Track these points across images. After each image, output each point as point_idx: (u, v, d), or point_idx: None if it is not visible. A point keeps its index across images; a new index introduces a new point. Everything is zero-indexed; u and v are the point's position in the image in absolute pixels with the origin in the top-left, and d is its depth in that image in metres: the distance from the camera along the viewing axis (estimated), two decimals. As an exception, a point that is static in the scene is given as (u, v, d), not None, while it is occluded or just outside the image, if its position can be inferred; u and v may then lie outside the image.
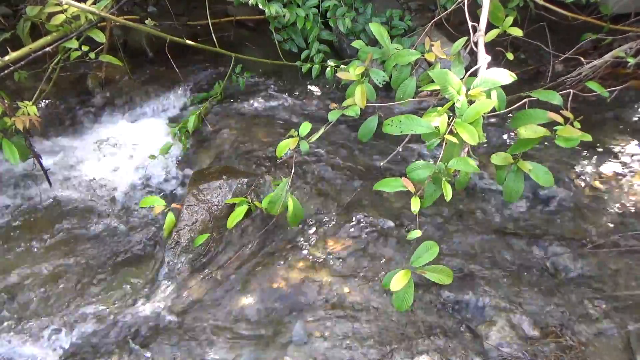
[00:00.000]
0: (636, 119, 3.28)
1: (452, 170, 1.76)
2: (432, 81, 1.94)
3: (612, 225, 2.66)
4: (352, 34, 3.52)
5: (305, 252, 2.57)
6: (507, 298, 2.35)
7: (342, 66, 3.25)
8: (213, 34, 3.31)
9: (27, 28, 2.85)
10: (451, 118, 1.75)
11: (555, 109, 1.87)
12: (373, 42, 2.89)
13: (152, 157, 3.02)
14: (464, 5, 2.30)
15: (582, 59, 3.17)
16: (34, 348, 2.23)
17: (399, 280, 1.71)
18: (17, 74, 2.84)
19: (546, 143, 3.07)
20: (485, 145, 3.17)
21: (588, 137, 1.78)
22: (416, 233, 1.87)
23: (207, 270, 2.53)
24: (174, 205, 2.58)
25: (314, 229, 2.69)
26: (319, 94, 3.70)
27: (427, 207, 1.88)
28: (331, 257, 2.54)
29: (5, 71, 2.66)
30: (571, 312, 2.29)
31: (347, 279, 2.44)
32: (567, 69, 3.53)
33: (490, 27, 2.13)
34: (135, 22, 3.06)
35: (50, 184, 2.93)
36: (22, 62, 2.68)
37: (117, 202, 2.95)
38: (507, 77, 1.79)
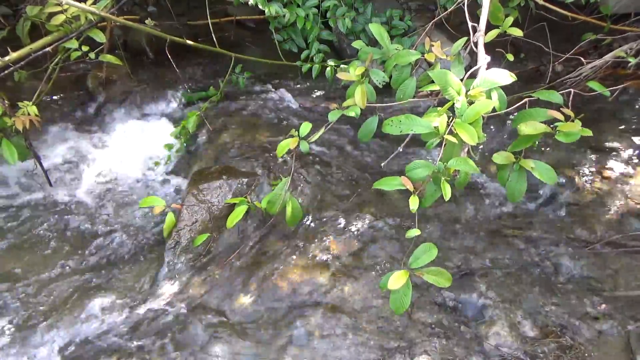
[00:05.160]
0: (636, 119, 3.28)
1: (451, 170, 1.76)
2: (432, 81, 1.94)
3: (612, 225, 2.66)
4: (352, 34, 3.52)
5: (305, 252, 2.58)
6: (507, 298, 2.35)
7: (342, 66, 3.25)
8: (213, 34, 3.31)
9: (27, 28, 2.85)
10: (451, 118, 1.75)
11: (556, 109, 1.87)
12: (373, 42, 2.89)
13: (157, 163, 3.05)
14: (464, 5, 2.30)
15: (582, 59, 3.17)
16: (33, 348, 2.23)
17: (396, 280, 1.70)
18: (17, 74, 2.84)
19: (546, 145, 3.07)
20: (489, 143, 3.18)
21: (588, 132, 1.78)
22: (415, 232, 1.87)
23: (207, 270, 2.53)
24: (174, 205, 2.58)
25: (314, 228, 2.69)
26: (319, 94, 3.70)
27: (427, 207, 1.88)
28: (331, 257, 2.54)
29: (6, 71, 2.66)
30: (571, 312, 2.29)
31: (347, 278, 2.44)
32: (567, 69, 3.53)
33: (490, 27, 2.13)
34: (135, 22, 3.06)
35: (50, 184, 2.93)
36: (22, 62, 2.67)
37: (117, 201, 2.95)
38: (507, 77, 1.79)
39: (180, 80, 3.63)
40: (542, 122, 1.78)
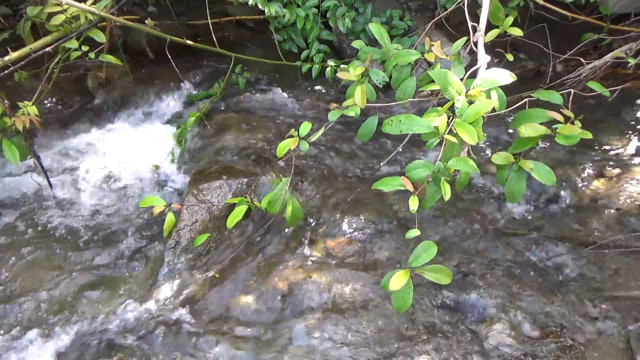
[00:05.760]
0: (636, 119, 3.28)
1: (451, 170, 1.76)
2: (432, 81, 1.94)
3: (612, 225, 2.66)
4: (352, 34, 3.52)
5: (305, 252, 2.58)
6: (507, 298, 2.35)
7: (342, 66, 3.25)
8: (213, 34, 3.31)
9: (27, 28, 2.85)
10: (451, 118, 1.75)
11: (556, 109, 1.87)
12: (373, 42, 2.89)
13: (157, 164, 3.05)
14: (464, 5, 2.30)
15: (582, 59, 3.17)
16: (34, 347, 2.23)
17: (397, 280, 1.70)
18: (17, 74, 2.84)
19: (546, 144, 3.07)
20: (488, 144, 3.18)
21: (588, 135, 1.78)
22: (415, 232, 1.87)
23: (207, 270, 2.53)
24: (174, 205, 2.58)
25: (314, 228, 2.69)
26: (319, 94, 3.70)
27: (426, 207, 1.88)
28: (331, 257, 2.54)
29: (6, 71, 2.66)
30: (571, 312, 2.29)
31: (347, 279, 2.44)
32: (567, 69, 3.52)
33: (490, 27, 2.13)
34: (135, 22, 3.06)
35: (50, 184, 2.93)
36: (22, 62, 2.68)
37: (117, 201, 2.95)
38: (507, 77, 1.79)
39: (180, 81, 3.63)
40: (542, 123, 1.78)
